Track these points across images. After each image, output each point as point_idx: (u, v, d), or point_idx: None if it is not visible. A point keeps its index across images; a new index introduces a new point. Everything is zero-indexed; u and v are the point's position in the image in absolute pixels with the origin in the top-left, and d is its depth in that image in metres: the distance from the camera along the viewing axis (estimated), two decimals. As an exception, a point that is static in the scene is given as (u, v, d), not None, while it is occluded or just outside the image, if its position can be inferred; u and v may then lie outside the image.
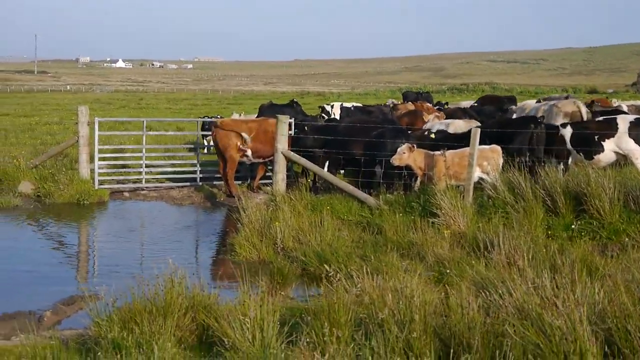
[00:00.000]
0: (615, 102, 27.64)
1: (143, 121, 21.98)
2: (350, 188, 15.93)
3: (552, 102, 23.16)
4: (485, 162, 15.32)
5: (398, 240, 13.27)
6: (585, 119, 20.85)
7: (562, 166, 16.67)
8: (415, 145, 15.57)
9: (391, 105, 29.94)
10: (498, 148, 15.80)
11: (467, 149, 15.05)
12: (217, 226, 17.49)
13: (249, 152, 19.35)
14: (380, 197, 15.49)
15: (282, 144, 16.49)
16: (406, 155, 15.39)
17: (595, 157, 16.85)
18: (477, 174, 14.99)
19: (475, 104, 29.71)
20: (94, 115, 21.28)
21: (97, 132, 20.14)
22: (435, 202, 13.93)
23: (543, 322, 6.77)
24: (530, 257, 11.42)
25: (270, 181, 20.26)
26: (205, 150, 23.48)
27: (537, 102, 26.39)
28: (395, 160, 15.44)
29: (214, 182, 21.15)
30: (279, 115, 17.08)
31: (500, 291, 8.16)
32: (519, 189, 14.03)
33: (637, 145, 16.57)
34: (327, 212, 14.77)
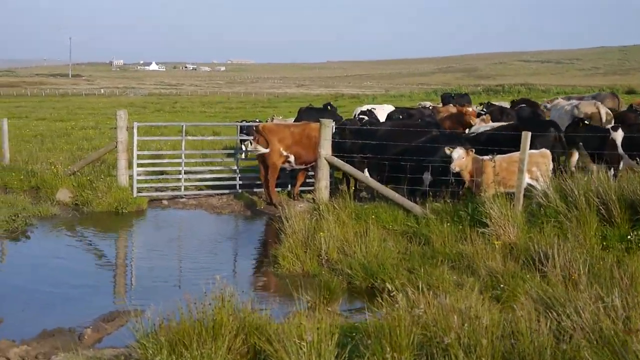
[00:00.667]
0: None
1: (182, 125, 21.51)
2: (396, 196, 15.47)
3: (575, 103, 22.66)
4: (535, 167, 14.83)
5: (446, 251, 12.84)
6: (604, 120, 20.38)
7: (612, 171, 16.19)
8: (473, 150, 15.06)
9: (430, 108, 29.41)
10: (548, 152, 15.30)
11: (516, 153, 14.57)
12: (259, 236, 17.10)
13: (291, 158, 18.94)
14: (427, 205, 15.01)
15: (326, 149, 16.06)
16: (464, 160, 14.89)
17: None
18: (526, 180, 14.50)
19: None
20: (132, 120, 20.88)
21: (135, 138, 19.74)
22: (485, 211, 13.43)
23: (627, 349, 6.28)
24: (587, 270, 11.00)
25: (311, 188, 20.01)
26: (243, 156, 23.01)
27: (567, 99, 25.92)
28: (456, 166, 14.93)
29: (254, 189, 20.77)
30: (322, 119, 16.60)
31: (567, 311, 7.70)
32: (571, 197, 13.50)
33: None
34: (372, 222, 14.38)
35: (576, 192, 13.41)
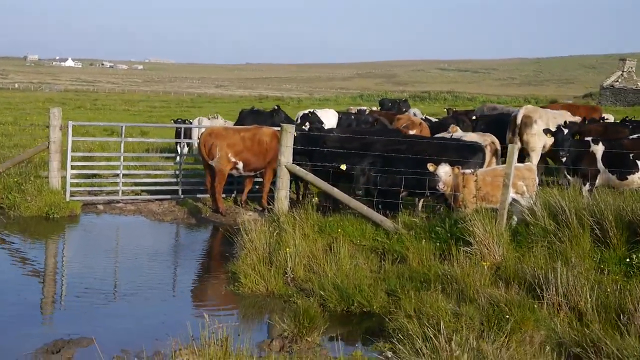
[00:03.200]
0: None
1: (122, 126, 19.65)
2: (364, 209, 14.09)
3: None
4: (521, 181, 13.67)
5: (424, 271, 11.62)
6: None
7: (587, 187, 15.23)
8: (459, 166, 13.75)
9: (367, 112, 28.20)
10: (534, 166, 14.17)
11: (500, 167, 13.44)
12: (209, 248, 15.67)
13: (240, 165, 17.46)
14: (399, 219, 13.70)
15: (287, 157, 14.57)
16: (451, 178, 13.61)
17: (629, 177, 15.40)
18: (511, 194, 13.35)
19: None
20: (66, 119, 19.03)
21: (70, 138, 17.96)
22: (466, 228, 12.19)
23: None
24: (594, 299, 9.89)
25: (257, 194, 18.67)
26: (178, 159, 21.43)
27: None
28: (445, 185, 13.62)
29: (197, 195, 19.17)
30: (284, 125, 15.12)
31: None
32: (562, 215, 12.34)
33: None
34: (338, 236, 13.06)
35: (567, 210, 12.26)
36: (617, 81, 69.68)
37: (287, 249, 12.13)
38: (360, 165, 14.90)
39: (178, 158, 21.61)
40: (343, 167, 14.87)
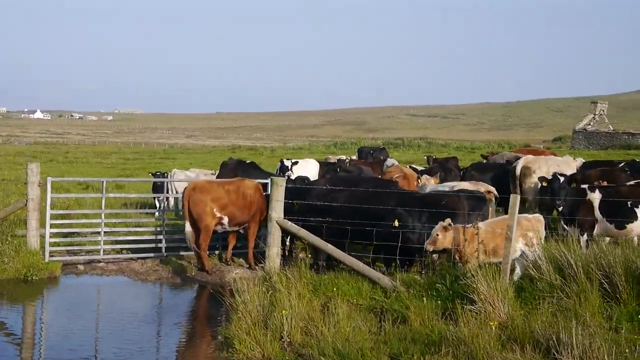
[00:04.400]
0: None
1: (102, 182, 18.92)
2: (360, 265, 13.50)
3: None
4: (531, 232, 13.14)
5: (427, 332, 11.04)
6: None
7: (585, 237, 14.80)
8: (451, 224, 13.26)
9: (348, 161, 27.82)
10: (541, 217, 13.67)
11: (503, 217, 13.00)
12: (197, 310, 14.99)
13: (225, 220, 16.84)
14: (397, 277, 13.14)
15: (277, 212, 13.98)
16: (441, 237, 13.11)
17: (628, 226, 14.98)
18: (519, 246, 12.85)
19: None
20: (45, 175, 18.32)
21: (49, 195, 17.25)
22: (469, 285, 11.63)
23: None
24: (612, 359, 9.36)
25: (242, 251, 18.05)
26: (157, 214, 20.76)
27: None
28: (430, 245, 13.16)
29: (181, 253, 18.37)
30: (273, 178, 14.57)
31: None
32: (568, 269, 11.83)
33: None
34: (333, 295, 12.50)
35: (574, 264, 11.76)
36: (590, 124, 69.92)
37: (284, 311, 11.52)
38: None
39: (157, 213, 20.98)
40: (396, 223, 14.26)
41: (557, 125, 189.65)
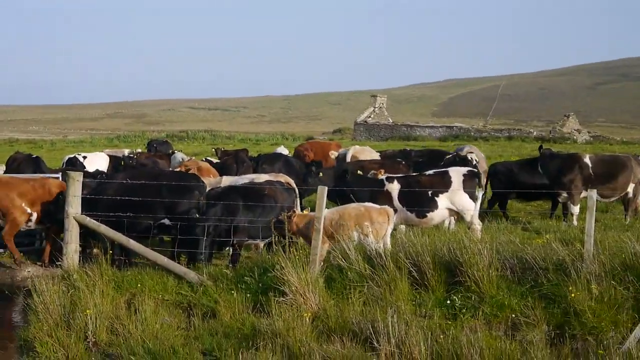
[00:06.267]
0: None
1: None
2: (165, 260, 13.02)
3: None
4: (367, 222, 13.12)
5: (239, 326, 10.83)
6: None
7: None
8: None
9: (133, 155, 27.11)
10: (390, 210, 13.61)
11: (349, 206, 13.43)
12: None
13: (34, 217, 15.86)
14: (204, 270, 12.76)
15: (75, 208, 13.25)
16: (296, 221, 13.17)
17: (429, 215, 15.32)
18: (355, 235, 12.95)
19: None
20: None
21: None
22: (278, 276, 11.47)
23: None
24: (428, 346, 9.47)
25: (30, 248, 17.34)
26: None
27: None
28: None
29: None
30: (69, 172, 13.78)
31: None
32: (377, 259, 11.90)
33: (471, 201, 15.27)
34: (138, 292, 12.04)
35: (382, 253, 11.86)
36: (370, 117, 71.71)
37: (87, 311, 10.96)
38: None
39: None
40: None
41: (336, 117, 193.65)
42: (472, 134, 59.69)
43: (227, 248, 14.65)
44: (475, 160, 20.90)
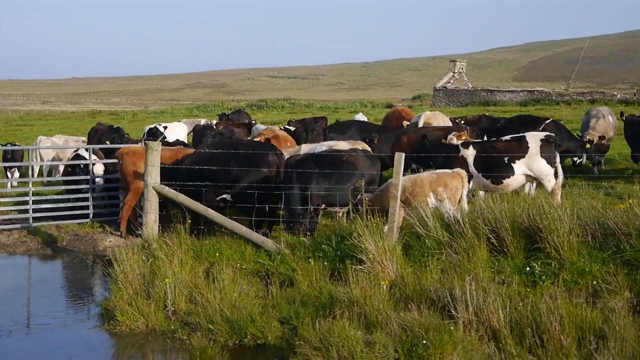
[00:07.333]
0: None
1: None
2: (243, 229, 13.05)
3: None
4: (442, 187, 13.07)
5: (316, 294, 10.84)
6: None
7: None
8: None
9: (210, 125, 27.18)
10: (462, 172, 13.52)
11: (423, 174, 13.48)
12: (73, 281, 14.24)
13: None
14: (282, 239, 12.76)
15: (154, 178, 13.31)
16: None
17: (505, 181, 15.09)
18: (430, 201, 12.86)
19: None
20: None
21: None
22: (356, 244, 11.40)
23: None
24: (506, 314, 9.34)
25: (112, 218, 17.52)
26: (9, 186, 19.81)
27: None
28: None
29: (50, 223, 17.32)
30: (148, 142, 13.84)
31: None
32: (455, 225, 11.72)
33: (549, 166, 14.97)
34: (216, 261, 12.09)
35: (460, 220, 11.67)
36: (449, 82, 70.93)
37: (166, 280, 11.07)
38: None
39: (9, 185, 19.99)
40: None
41: (415, 84, 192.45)
42: (554, 98, 58.44)
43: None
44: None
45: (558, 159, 15.34)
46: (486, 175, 15.14)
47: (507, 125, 20.88)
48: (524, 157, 15.09)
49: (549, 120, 20.48)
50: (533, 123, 20.24)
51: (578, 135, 20.43)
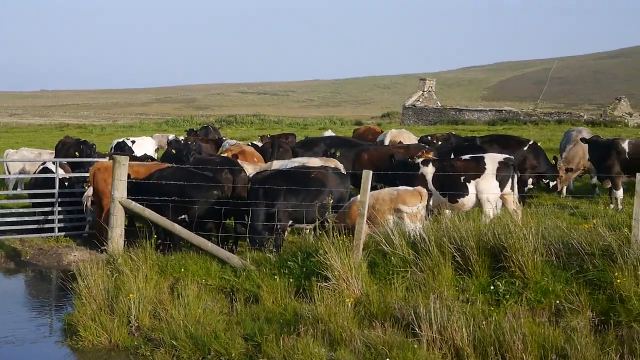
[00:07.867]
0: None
1: None
2: (209, 245, 13.00)
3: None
4: (401, 205, 13.08)
5: (281, 312, 10.83)
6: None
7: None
8: None
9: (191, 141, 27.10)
10: (422, 190, 13.56)
11: (384, 190, 13.35)
12: (36, 296, 14.14)
13: None
14: (248, 255, 12.72)
15: (121, 192, 13.26)
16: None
17: (459, 200, 15.20)
18: (391, 219, 12.87)
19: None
20: None
21: None
22: (321, 261, 11.39)
23: None
24: (470, 333, 9.39)
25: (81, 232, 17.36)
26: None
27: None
28: None
29: (14, 236, 17.09)
30: (115, 156, 13.77)
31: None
32: (421, 243, 11.75)
33: (497, 190, 15.20)
34: (181, 276, 12.04)
35: (426, 238, 11.70)
36: (419, 100, 71.14)
37: (130, 295, 11.02)
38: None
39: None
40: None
41: (385, 101, 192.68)
42: (521, 117, 58.74)
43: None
44: None
45: (515, 181, 15.48)
46: (443, 193, 15.24)
47: (483, 145, 20.92)
48: (479, 177, 15.21)
49: (531, 142, 20.55)
50: (516, 144, 20.27)
51: (555, 158, 20.47)
